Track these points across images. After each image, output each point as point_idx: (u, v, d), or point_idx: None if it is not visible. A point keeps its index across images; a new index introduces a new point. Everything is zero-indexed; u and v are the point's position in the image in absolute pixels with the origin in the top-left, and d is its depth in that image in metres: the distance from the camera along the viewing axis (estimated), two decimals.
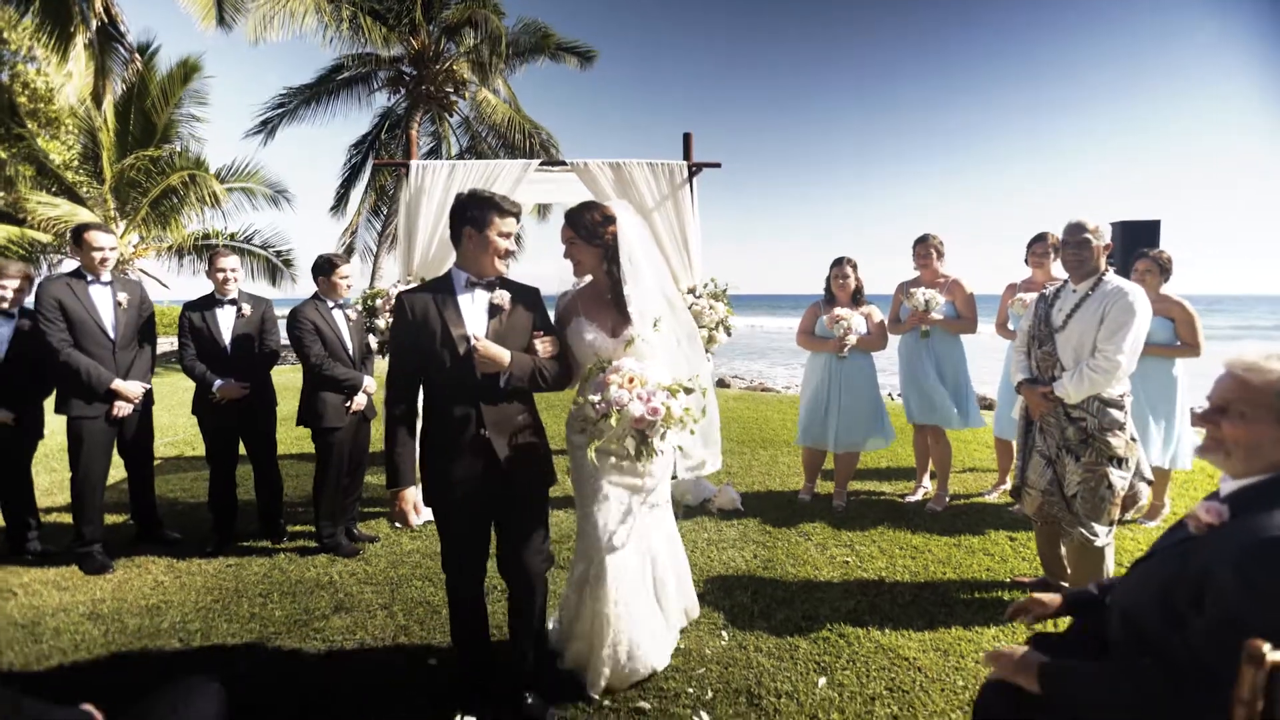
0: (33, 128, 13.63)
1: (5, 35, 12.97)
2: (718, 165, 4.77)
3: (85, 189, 13.32)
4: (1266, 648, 1.18)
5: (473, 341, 2.24)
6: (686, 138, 4.74)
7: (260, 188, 15.71)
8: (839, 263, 4.90)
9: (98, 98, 10.79)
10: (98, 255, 3.84)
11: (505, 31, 16.35)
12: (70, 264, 12.74)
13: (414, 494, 2.39)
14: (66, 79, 8.55)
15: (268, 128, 17.35)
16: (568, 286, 2.74)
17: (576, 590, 2.66)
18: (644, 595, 2.66)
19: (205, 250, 14.56)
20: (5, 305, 3.80)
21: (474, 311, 2.34)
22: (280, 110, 17.33)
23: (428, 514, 4.29)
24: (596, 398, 2.28)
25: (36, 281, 4.10)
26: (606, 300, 2.57)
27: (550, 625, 2.90)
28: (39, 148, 13.07)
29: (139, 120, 13.25)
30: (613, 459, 2.55)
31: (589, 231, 2.52)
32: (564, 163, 4.68)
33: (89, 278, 3.83)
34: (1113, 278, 3.11)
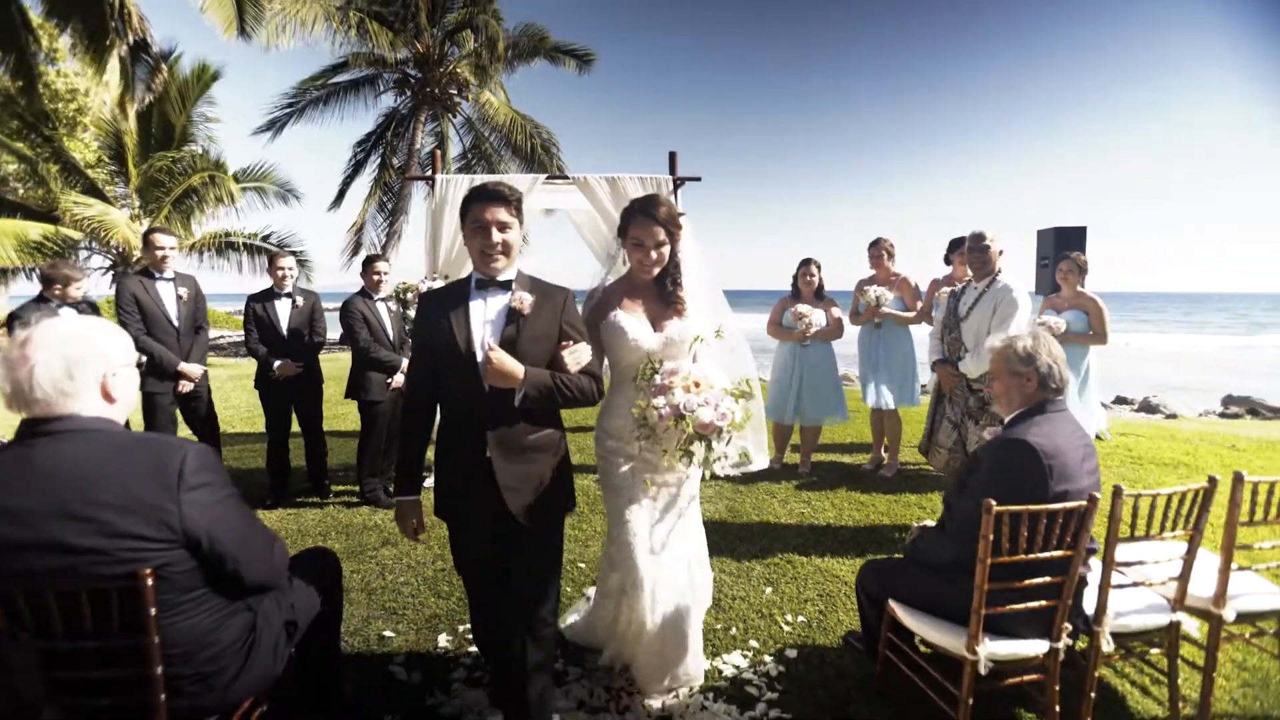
0: (59, 129, 14.36)
1: (36, 40, 13.69)
2: (698, 179, 5.54)
3: (107, 187, 14.07)
4: (994, 503, 1.99)
5: (485, 351, 2.01)
6: (672, 156, 5.51)
7: (271, 187, 16.43)
8: (805, 263, 5.68)
9: (123, 105, 11.52)
10: (160, 253, 4.57)
11: (503, 35, 17.06)
12: (99, 260, 13.38)
13: (416, 505, 2.26)
14: (104, 89, 9.26)
15: (275, 126, 18.04)
16: (573, 282, 2.54)
17: (614, 599, 2.58)
18: (684, 602, 2.50)
19: (226, 248, 15.33)
20: (78, 298, 4.53)
21: (487, 316, 2.11)
22: (289, 110, 18.00)
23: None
24: (660, 401, 2.12)
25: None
26: (650, 292, 2.44)
27: (572, 620, 2.99)
28: (65, 148, 13.80)
29: (159, 123, 13.98)
30: (645, 464, 2.42)
31: (676, 228, 2.38)
32: (567, 176, 5.45)
33: (156, 275, 4.59)
34: (1004, 277, 3.91)
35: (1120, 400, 11.44)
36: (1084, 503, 2.07)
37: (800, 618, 3.23)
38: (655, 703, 2.52)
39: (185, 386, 4.61)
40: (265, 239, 15.94)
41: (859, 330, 5.88)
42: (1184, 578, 2.28)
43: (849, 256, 6.03)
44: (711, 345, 2.44)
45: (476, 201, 2.07)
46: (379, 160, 19.30)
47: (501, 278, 2.13)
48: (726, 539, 4.20)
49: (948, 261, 5.60)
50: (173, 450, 1.59)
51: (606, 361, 2.51)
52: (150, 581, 1.50)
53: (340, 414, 7.86)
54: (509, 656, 2.16)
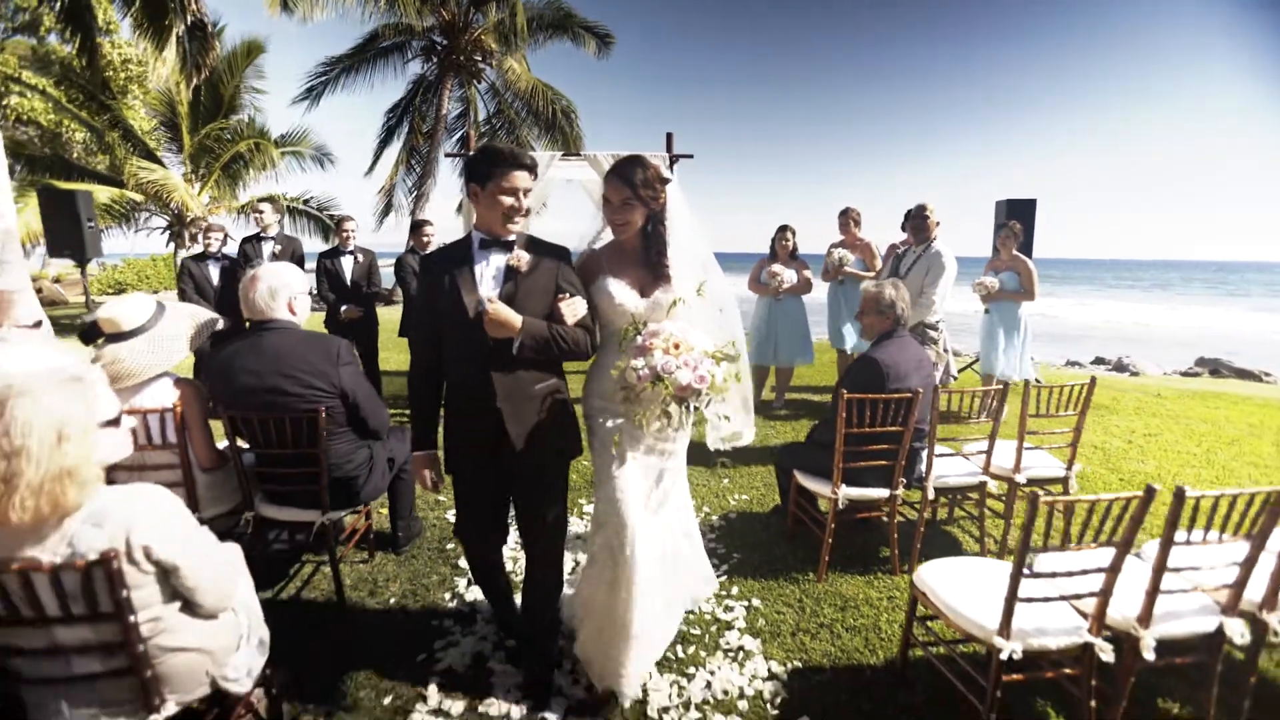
0: (117, 98, 15.53)
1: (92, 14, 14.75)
2: (690, 156, 6.48)
3: (161, 152, 15.27)
4: (845, 391, 3.02)
5: (484, 304, 2.11)
6: (669, 136, 6.44)
7: (308, 150, 17.54)
8: (782, 229, 6.62)
9: (181, 78, 12.59)
10: (259, 215, 5.85)
11: (524, 8, 17.70)
12: (159, 221, 14.63)
13: (433, 459, 2.37)
14: (162, 65, 10.30)
15: (313, 94, 19.00)
16: (582, 242, 2.61)
17: (591, 562, 2.49)
18: (658, 575, 2.41)
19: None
20: (214, 250, 5.70)
21: (489, 274, 2.21)
22: (323, 79, 18.93)
23: None
24: (639, 363, 2.10)
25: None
26: (636, 258, 2.40)
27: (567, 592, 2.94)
28: (123, 116, 14.97)
29: (208, 93, 15.05)
30: (635, 428, 2.33)
31: (650, 191, 2.30)
32: (580, 154, 6.42)
33: (262, 236, 5.84)
34: (937, 244, 4.84)
35: (1098, 360, 12.27)
36: (909, 395, 3.09)
37: (745, 496, 4.33)
38: None
39: None
40: (305, 202, 17.09)
41: (827, 286, 6.84)
42: (989, 451, 3.31)
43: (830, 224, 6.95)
44: (694, 306, 2.37)
45: (507, 167, 2.10)
46: (408, 126, 20.24)
47: (509, 238, 2.23)
48: (696, 454, 5.26)
49: (904, 229, 6.50)
50: (334, 341, 2.71)
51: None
52: (323, 415, 2.62)
53: (385, 357, 9.05)
54: (530, 547, 2.45)
